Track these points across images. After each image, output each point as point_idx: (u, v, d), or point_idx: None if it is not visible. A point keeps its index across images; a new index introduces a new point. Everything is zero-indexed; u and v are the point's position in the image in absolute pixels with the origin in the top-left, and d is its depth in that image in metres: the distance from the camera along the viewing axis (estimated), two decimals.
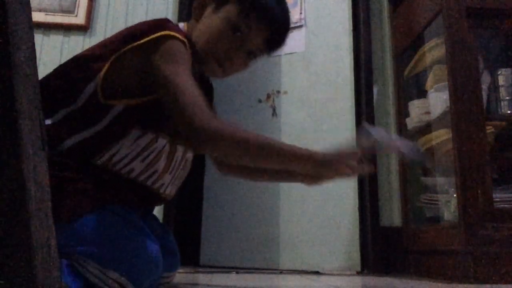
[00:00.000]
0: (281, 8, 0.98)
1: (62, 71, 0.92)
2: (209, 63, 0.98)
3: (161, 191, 0.97)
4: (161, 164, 0.93)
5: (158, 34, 0.85)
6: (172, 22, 0.93)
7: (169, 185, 0.98)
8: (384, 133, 0.91)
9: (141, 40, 0.86)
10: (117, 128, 0.86)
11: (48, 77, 0.92)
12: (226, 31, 0.94)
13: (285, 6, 1.00)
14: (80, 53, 0.94)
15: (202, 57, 0.97)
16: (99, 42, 0.95)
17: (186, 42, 0.88)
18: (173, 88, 0.82)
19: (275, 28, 0.97)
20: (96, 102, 0.86)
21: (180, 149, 0.97)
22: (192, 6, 1.03)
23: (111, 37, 0.93)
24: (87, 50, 0.94)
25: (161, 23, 0.89)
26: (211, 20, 0.96)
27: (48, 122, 0.86)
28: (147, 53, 0.85)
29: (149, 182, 0.93)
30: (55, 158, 0.83)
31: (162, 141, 0.91)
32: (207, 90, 1.07)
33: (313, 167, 0.90)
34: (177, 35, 0.87)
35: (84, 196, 0.83)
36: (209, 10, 0.97)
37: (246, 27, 0.94)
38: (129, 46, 0.87)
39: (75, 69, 0.90)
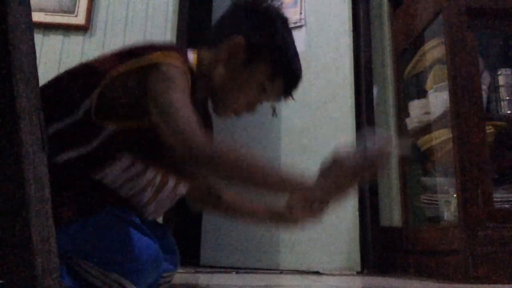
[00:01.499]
0: (299, 61, 1.02)
1: (59, 83, 0.90)
2: (223, 106, 0.99)
3: (145, 215, 0.95)
4: (147, 195, 0.91)
5: (158, 58, 0.84)
6: (179, 49, 0.91)
7: (152, 213, 0.97)
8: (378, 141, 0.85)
9: (142, 63, 0.84)
10: (106, 152, 0.84)
11: (42, 89, 0.90)
12: (255, 90, 0.96)
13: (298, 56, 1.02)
14: (80, 64, 0.92)
15: (217, 96, 0.98)
16: (100, 56, 0.93)
17: (187, 73, 0.86)
18: (167, 108, 0.80)
19: (296, 82, 1.01)
20: (89, 120, 0.83)
21: (171, 183, 0.94)
22: (209, 35, 1.01)
23: (112, 53, 0.91)
24: (87, 62, 0.92)
25: (166, 48, 0.87)
26: (240, 75, 0.95)
27: None
28: (144, 75, 0.83)
29: (135, 205, 0.92)
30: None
31: (151, 173, 0.89)
32: (207, 121, 1.06)
33: (302, 198, 0.90)
34: (178, 64, 0.85)
35: (79, 199, 0.83)
36: (237, 60, 0.95)
37: (272, 86, 0.97)
38: (129, 67, 0.85)
39: (73, 82, 0.88)
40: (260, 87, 0.96)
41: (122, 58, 0.87)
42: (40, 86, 0.88)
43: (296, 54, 1.00)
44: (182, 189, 1.00)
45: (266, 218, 0.95)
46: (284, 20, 1.01)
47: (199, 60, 0.96)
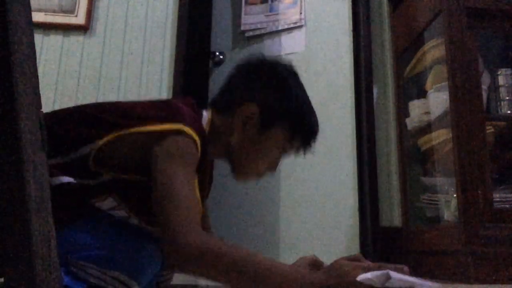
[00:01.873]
0: (315, 115, 1.01)
1: (62, 118, 0.88)
2: (244, 172, 0.98)
3: None
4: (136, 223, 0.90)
5: (169, 126, 0.80)
6: (191, 108, 0.88)
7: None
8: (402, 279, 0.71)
9: (150, 127, 0.81)
10: (97, 190, 0.83)
11: (51, 116, 0.89)
12: (275, 153, 0.95)
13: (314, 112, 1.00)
14: (88, 107, 0.90)
15: (236, 163, 0.96)
16: (111, 104, 0.90)
17: (198, 141, 0.82)
18: (166, 191, 0.76)
19: (315, 137, 1.01)
20: (85, 165, 0.83)
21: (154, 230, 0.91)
22: (220, 96, 0.98)
23: (125, 106, 0.88)
24: (96, 107, 0.89)
25: (178, 112, 0.84)
26: (258, 140, 0.93)
27: None
28: (151, 141, 0.80)
29: None
30: None
31: (133, 221, 0.87)
32: (210, 179, 1.05)
33: None
34: (190, 132, 0.81)
35: (76, 202, 0.83)
36: (252, 128, 0.93)
37: (291, 145, 0.97)
38: (137, 129, 0.82)
39: (76, 123, 0.86)
40: (280, 149, 0.96)
41: (136, 122, 0.83)
42: (50, 112, 0.87)
43: (311, 109, 0.99)
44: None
45: None
46: (295, 75, 1.01)
47: (213, 123, 0.94)
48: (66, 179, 0.83)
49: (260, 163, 0.96)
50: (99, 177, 0.83)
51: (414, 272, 0.78)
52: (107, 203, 0.85)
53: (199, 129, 0.85)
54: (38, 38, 2.29)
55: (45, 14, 2.33)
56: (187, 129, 0.81)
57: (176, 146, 0.80)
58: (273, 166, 0.98)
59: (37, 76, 0.48)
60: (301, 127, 0.95)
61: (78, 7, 2.37)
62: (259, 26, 2.53)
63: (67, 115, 0.90)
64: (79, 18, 2.35)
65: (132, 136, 0.83)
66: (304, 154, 1.00)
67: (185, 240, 0.71)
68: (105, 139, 0.82)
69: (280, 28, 2.49)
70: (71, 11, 2.36)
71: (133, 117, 0.85)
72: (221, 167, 2.39)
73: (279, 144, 0.95)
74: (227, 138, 0.95)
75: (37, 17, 2.29)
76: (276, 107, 0.93)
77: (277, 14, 2.51)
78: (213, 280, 0.76)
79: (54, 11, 2.35)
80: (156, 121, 0.82)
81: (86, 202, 0.85)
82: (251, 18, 2.57)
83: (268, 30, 2.51)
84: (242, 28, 2.57)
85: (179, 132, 0.80)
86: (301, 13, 2.47)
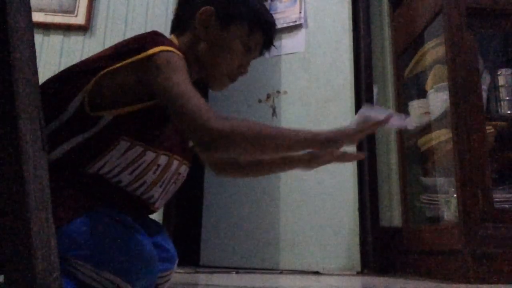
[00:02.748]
0: (270, 13, 1.05)
1: (50, 84, 0.90)
2: (218, 77, 1.01)
3: (150, 202, 0.96)
4: (150, 176, 0.91)
5: (154, 50, 0.85)
6: (164, 35, 0.92)
7: (158, 199, 0.97)
8: (380, 112, 0.96)
9: (136, 57, 0.85)
10: (105, 138, 0.85)
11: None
12: (241, 51, 0.99)
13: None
14: (71, 66, 0.93)
15: (209, 71, 1.00)
16: (92, 56, 0.93)
17: (181, 55, 0.88)
18: (178, 98, 0.81)
19: (273, 29, 1.04)
20: (83, 114, 0.84)
21: (175, 163, 0.96)
22: (177, 19, 1.03)
23: (103, 51, 0.92)
24: (78, 63, 0.93)
25: (155, 38, 0.88)
26: (221, 40, 0.98)
27: None
28: (143, 69, 0.84)
29: (137, 193, 0.92)
30: None
31: (150, 155, 0.89)
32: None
33: (317, 147, 0.94)
34: (172, 49, 0.86)
35: (73, 200, 0.83)
36: (213, 29, 0.98)
37: (254, 43, 1.01)
38: (123, 63, 0.85)
39: (63, 82, 0.89)
40: (244, 45, 1.00)
41: (118, 57, 0.87)
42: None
43: (261, 3, 1.04)
44: (185, 170, 1.02)
45: (308, 147, 1.00)
46: None
47: (181, 44, 0.99)
48: (67, 146, 0.84)
49: (229, 61, 1.00)
50: (101, 121, 0.84)
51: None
52: (120, 148, 0.86)
53: (178, 50, 0.90)
54: (38, 38, 2.29)
55: (45, 14, 2.33)
56: (171, 48, 0.86)
57: (168, 61, 0.84)
58: (243, 68, 1.02)
59: (37, 76, 0.48)
60: (256, 19, 1.00)
61: (78, 7, 2.37)
62: None
63: (52, 79, 0.92)
64: (79, 18, 2.35)
65: (120, 71, 0.85)
66: (268, 51, 1.06)
67: (212, 122, 0.78)
68: (91, 82, 0.85)
69: (279, 26, 2.49)
70: (71, 11, 2.36)
71: (115, 55, 0.87)
72: None
73: (241, 39, 0.99)
74: (196, 50, 0.99)
75: (37, 17, 2.29)
76: (229, 3, 0.99)
77: (277, 13, 2.51)
78: (245, 152, 0.89)
79: (54, 11, 2.35)
80: (138, 51, 0.85)
81: (90, 176, 0.85)
82: None
83: None
84: None
85: (167, 50, 0.85)
86: (300, 12, 2.48)
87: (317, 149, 0.99)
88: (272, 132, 0.89)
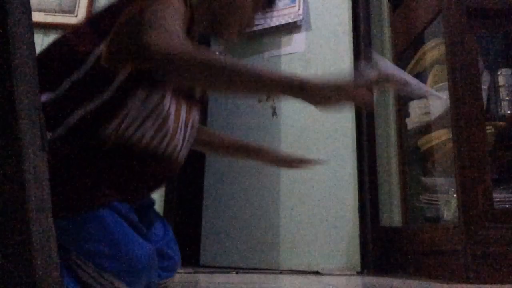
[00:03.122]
0: None
1: (65, 39, 0.90)
2: (228, 29, 1.03)
3: (174, 155, 0.95)
4: (170, 125, 0.91)
5: None
6: None
7: (182, 148, 0.97)
8: (390, 65, 0.81)
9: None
10: (123, 93, 0.85)
11: (48, 49, 0.91)
12: (249, 4, 1.02)
13: None
14: (82, 22, 0.94)
15: (219, 24, 1.02)
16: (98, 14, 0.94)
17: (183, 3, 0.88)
18: (151, 15, 0.79)
19: None
20: (100, 69, 0.84)
21: (183, 108, 0.96)
22: None
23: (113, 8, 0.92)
24: (89, 19, 0.93)
25: None
26: None
27: (50, 96, 0.84)
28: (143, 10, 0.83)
29: (162, 147, 0.91)
30: (58, 143, 0.81)
31: (168, 100, 0.89)
32: None
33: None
34: None
35: (94, 187, 0.83)
36: None
37: None
38: (131, 9, 0.84)
39: (80, 37, 0.88)
40: None
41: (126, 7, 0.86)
42: (44, 48, 0.89)
43: None
44: (195, 114, 1.03)
45: (241, 154, 1.05)
46: None
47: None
48: (84, 110, 0.83)
49: (239, 14, 1.02)
50: (117, 78, 0.84)
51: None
52: (138, 99, 0.85)
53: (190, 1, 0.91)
54: (38, 38, 2.29)
55: (45, 14, 2.33)
56: None
57: (164, 1, 0.83)
58: (250, 21, 1.06)
59: (37, 76, 0.48)
60: None
61: (78, 7, 2.37)
62: (256, 22, 2.53)
63: (64, 37, 0.92)
64: (79, 18, 2.35)
65: (129, 17, 0.84)
66: (271, 5, 1.09)
67: (153, 39, 0.74)
68: (110, 35, 0.83)
69: (278, 23, 2.49)
70: (71, 11, 2.36)
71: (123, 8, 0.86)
72: (221, 168, 2.41)
73: None
74: (207, 4, 1.00)
75: (37, 17, 2.29)
76: None
77: (276, 10, 2.51)
78: (194, 80, 0.83)
79: (54, 11, 2.35)
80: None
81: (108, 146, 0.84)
82: None
83: (266, 26, 2.50)
84: None
85: None
86: (299, 9, 2.47)
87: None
88: (227, 63, 0.76)
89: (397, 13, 2.32)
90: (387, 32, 2.42)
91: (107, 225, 0.82)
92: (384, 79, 0.78)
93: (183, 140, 0.97)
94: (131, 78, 0.84)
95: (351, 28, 2.40)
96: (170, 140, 0.92)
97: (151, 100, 0.87)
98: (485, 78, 1.80)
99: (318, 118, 2.33)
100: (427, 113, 1.99)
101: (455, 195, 1.65)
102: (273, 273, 2.11)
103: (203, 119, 2.54)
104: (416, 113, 2.05)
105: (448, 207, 1.76)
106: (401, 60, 2.27)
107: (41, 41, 2.31)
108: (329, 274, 2.03)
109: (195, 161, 1.10)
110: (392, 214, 2.19)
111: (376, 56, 0.79)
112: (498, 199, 1.60)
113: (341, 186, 2.20)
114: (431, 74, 1.98)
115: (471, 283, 1.45)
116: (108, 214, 0.83)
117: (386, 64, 0.80)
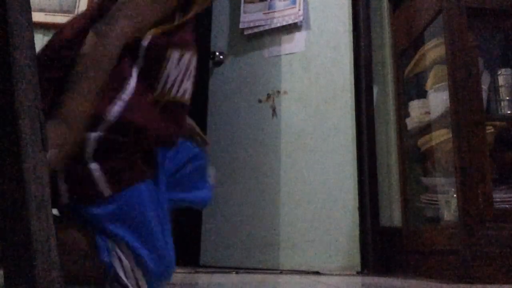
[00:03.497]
0: None
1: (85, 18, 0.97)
2: None
3: (186, 97, 1.01)
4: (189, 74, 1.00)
5: None
6: None
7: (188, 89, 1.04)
8: None
9: None
10: (155, 56, 0.90)
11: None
12: None
13: None
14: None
15: None
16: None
17: None
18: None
19: None
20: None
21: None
22: None
23: None
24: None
25: None
26: None
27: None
28: None
29: (187, 96, 1.00)
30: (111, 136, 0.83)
31: (195, 55, 0.98)
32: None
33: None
34: None
35: (137, 162, 0.85)
36: None
37: None
38: None
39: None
40: None
41: None
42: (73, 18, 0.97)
43: None
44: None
45: None
46: None
47: None
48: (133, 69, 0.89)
49: None
50: (141, 45, 0.89)
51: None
52: (172, 60, 0.93)
53: None
54: (38, 38, 2.28)
55: (45, 14, 2.33)
56: None
57: None
58: None
59: (37, 76, 0.48)
60: None
61: (78, 7, 2.37)
62: (257, 23, 2.53)
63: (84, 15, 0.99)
64: None
65: None
66: None
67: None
68: None
69: (278, 25, 2.49)
70: (71, 11, 2.36)
71: None
72: (221, 167, 2.41)
73: None
74: None
75: (37, 17, 2.29)
76: None
77: (276, 11, 2.51)
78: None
79: (54, 11, 2.35)
80: None
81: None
82: (250, 16, 2.57)
83: (266, 27, 2.50)
84: (241, 26, 2.57)
85: None
86: (299, 10, 2.47)
87: None
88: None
89: (397, 13, 2.32)
90: (387, 32, 2.42)
91: (143, 209, 0.84)
92: None
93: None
94: (158, 40, 0.90)
95: (351, 28, 2.40)
96: (188, 88, 1.01)
97: (184, 59, 0.94)
98: (485, 78, 1.80)
99: (318, 118, 2.33)
100: (427, 113, 1.99)
101: (455, 195, 1.65)
102: (273, 273, 2.11)
103: (203, 122, 2.54)
104: (416, 113, 2.05)
105: (448, 207, 1.76)
106: (401, 60, 2.27)
107: (41, 41, 2.31)
108: (329, 274, 2.03)
109: None
110: (392, 214, 2.19)
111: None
112: (498, 199, 1.60)
113: (341, 186, 2.20)
114: (431, 74, 1.98)
115: (471, 283, 1.45)
116: (145, 196, 0.84)
117: None
